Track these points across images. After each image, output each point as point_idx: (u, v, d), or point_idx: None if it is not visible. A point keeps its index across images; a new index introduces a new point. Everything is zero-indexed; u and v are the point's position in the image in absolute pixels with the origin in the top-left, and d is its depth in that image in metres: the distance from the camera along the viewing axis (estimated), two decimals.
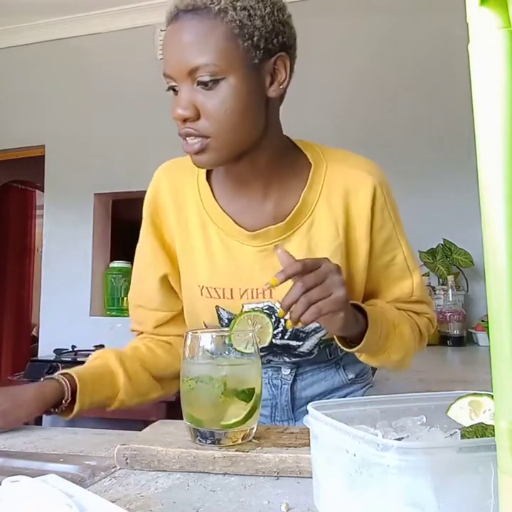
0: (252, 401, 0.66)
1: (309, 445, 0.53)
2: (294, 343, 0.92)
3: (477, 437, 0.46)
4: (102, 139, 3.11)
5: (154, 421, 0.78)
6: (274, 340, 0.91)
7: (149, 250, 0.97)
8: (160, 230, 0.96)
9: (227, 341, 0.68)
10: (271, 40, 0.79)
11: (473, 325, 2.34)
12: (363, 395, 1.02)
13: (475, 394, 0.54)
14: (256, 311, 0.82)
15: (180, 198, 0.93)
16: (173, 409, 2.01)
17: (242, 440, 0.66)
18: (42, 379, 0.87)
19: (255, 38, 0.78)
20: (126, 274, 3.01)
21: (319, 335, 0.91)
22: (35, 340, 3.45)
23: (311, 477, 0.53)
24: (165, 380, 0.98)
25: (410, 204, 2.63)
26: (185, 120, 0.78)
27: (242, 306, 0.89)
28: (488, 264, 0.33)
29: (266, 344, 0.73)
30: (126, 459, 0.65)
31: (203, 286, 0.91)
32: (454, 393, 0.55)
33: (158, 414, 1.99)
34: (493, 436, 0.34)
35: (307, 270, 0.73)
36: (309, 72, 2.71)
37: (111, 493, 0.57)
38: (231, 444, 0.65)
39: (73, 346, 2.66)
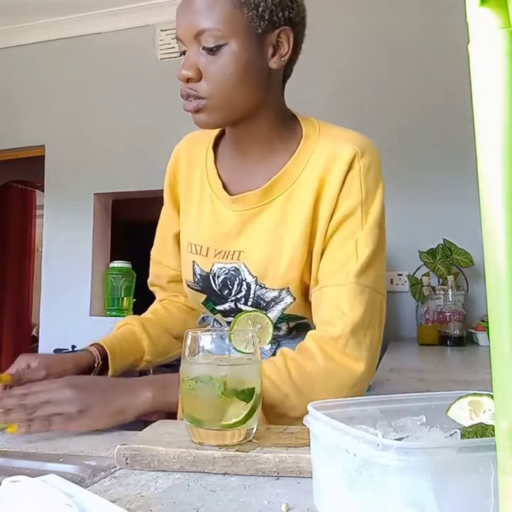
0: (252, 401, 0.66)
1: (309, 445, 0.53)
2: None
3: (477, 437, 0.46)
4: (102, 139, 3.11)
5: (154, 421, 0.78)
6: (239, 305, 0.94)
7: (165, 212, 1.08)
8: (175, 194, 1.04)
9: (227, 341, 0.68)
10: (276, 12, 0.83)
11: (473, 325, 2.34)
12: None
13: (475, 394, 0.54)
14: (256, 311, 0.82)
15: (192, 163, 1.00)
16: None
17: (243, 440, 0.66)
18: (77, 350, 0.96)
19: (260, 9, 0.82)
20: (126, 274, 3.01)
21: (280, 307, 0.91)
22: (35, 340, 3.45)
23: (311, 477, 0.53)
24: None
25: (410, 204, 2.64)
26: (187, 80, 0.83)
27: (212, 264, 0.94)
28: (488, 264, 0.33)
29: (266, 344, 0.74)
30: (126, 459, 0.65)
31: (189, 243, 0.98)
32: (454, 393, 0.55)
33: (158, 414, 1.99)
34: (493, 436, 0.34)
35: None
36: (309, 80, 2.71)
37: (111, 493, 0.57)
38: (231, 444, 0.65)
39: (73, 346, 2.66)
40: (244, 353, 0.68)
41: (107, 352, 0.94)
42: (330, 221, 0.86)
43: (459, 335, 2.26)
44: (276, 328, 0.93)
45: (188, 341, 0.69)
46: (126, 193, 3.14)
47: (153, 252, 1.12)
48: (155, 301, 1.14)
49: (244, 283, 0.92)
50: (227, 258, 0.93)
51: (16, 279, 4.42)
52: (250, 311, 0.79)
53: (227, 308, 0.96)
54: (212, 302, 0.98)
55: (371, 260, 0.85)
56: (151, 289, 1.15)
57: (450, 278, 2.40)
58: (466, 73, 0.36)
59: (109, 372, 0.95)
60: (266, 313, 0.74)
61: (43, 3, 3.01)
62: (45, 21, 3.19)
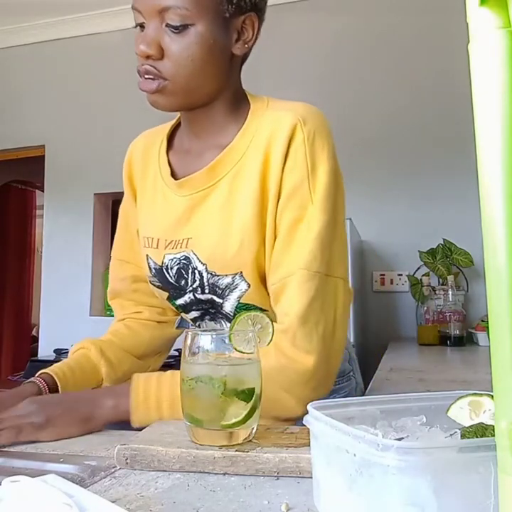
0: (252, 401, 0.66)
1: (309, 445, 0.53)
2: (216, 298, 0.88)
3: (477, 437, 0.46)
4: (102, 139, 3.11)
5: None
6: (197, 295, 0.89)
7: (126, 208, 1.03)
8: (133, 189, 1.01)
9: (227, 341, 0.68)
10: None
11: (473, 325, 2.34)
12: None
13: (475, 394, 0.54)
14: (256, 311, 0.82)
15: (147, 156, 0.97)
16: None
17: (243, 440, 0.66)
18: (23, 384, 0.85)
19: None
20: None
21: (235, 294, 0.85)
22: (35, 340, 3.45)
23: (311, 477, 0.53)
24: (149, 357, 1.01)
25: (410, 204, 2.64)
26: (147, 57, 0.79)
27: (164, 257, 0.90)
28: (488, 264, 0.33)
29: (266, 344, 0.73)
30: (126, 459, 0.65)
31: (143, 237, 0.94)
32: (454, 393, 0.55)
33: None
34: (493, 436, 0.34)
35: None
36: (308, 72, 2.71)
37: (111, 493, 0.57)
38: (231, 444, 0.65)
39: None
40: (244, 353, 0.67)
41: (57, 382, 0.85)
42: (278, 198, 0.80)
43: (459, 335, 2.26)
44: (225, 312, 0.89)
45: (188, 341, 0.69)
46: None
47: (115, 253, 1.04)
48: (114, 321, 1.04)
49: (196, 271, 0.87)
50: (176, 248, 0.88)
51: (16, 279, 4.42)
52: (250, 311, 0.78)
53: (188, 300, 0.91)
54: (173, 298, 0.93)
55: (323, 240, 0.78)
56: (111, 303, 1.05)
57: (450, 278, 2.40)
58: (466, 73, 0.37)
59: None
60: (266, 313, 0.74)
61: (43, 3, 3.01)
62: (45, 21, 3.19)
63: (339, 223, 0.81)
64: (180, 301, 0.93)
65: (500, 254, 0.32)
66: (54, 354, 2.63)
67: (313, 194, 0.78)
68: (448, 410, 0.54)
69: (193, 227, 0.87)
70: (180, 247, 0.88)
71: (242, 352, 0.67)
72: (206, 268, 0.86)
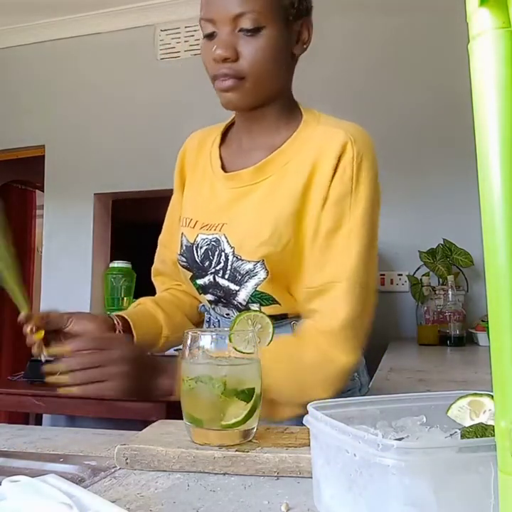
0: (252, 401, 0.66)
1: (309, 445, 0.53)
2: (232, 286, 0.93)
3: (477, 437, 0.46)
4: (102, 139, 3.11)
5: (154, 421, 0.78)
6: (217, 278, 0.94)
7: (174, 198, 1.11)
8: (182, 179, 1.08)
9: (227, 341, 0.68)
10: (302, 2, 0.90)
11: (473, 325, 2.34)
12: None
13: (475, 394, 0.54)
14: (256, 311, 0.82)
15: (201, 150, 1.05)
16: (173, 409, 2.02)
17: (243, 440, 0.66)
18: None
19: None
20: (126, 274, 3.00)
21: (253, 282, 0.90)
22: None
23: (311, 477, 0.53)
24: (194, 317, 1.10)
25: (410, 204, 2.64)
26: (224, 60, 0.85)
27: (197, 236, 0.97)
28: (488, 264, 0.33)
29: (266, 344, 0.73)
30: (126, 459, 0.65)
31: (182, 217, 1.02)
32: (454, 393, 0.55)
33: (158, 414, 1.99)
34: (493, 436, 0.34)
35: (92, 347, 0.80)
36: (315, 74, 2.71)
37: (111, 493, 0.57)
38: (231, 444, 0.65)
39: None
40: (244, 353, 0.67)
41: (130, 324, 0.96)
42: (323, 207, 0.87)
43: (459, 335, 2.26)
44: (248, 309, 0.92)
45: (188, 341, 0.69)
46: (126, 193, 3.14)
47: (160, 237, 1.14)
48: (158, 292, 1.14)
49: (223, 254, 0.93)
50: (210, 230, 0.95)
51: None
52: (250, 311, 0.78)
53: (207, 282, 0.97)
54: (195, 277, 0.99)
55: (364, 254, 0.86)
56: (153, 280, 1.16)
57: (450, 278, 2.40)
58: (466, 73, 0.36)
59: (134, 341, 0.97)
60: (266, 313, 0.74)
61: (43, 3, 3.01)
62: (45, 21, 3.19)
63: (375, 237, 0.90)
64: (200, 281, 0.98)
65: (500, 254, 0.32)
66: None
67: (353, 209, 0.86)
68: (448, 410, 0.54)
69: (231, 214, 0.94)
70: (214, 230, 0.95)
71: (242, 352, 0.67)
72: (233, 251, 0.92)
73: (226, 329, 0.74)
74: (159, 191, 2.63)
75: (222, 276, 0.94)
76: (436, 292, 2.41)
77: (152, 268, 1.15)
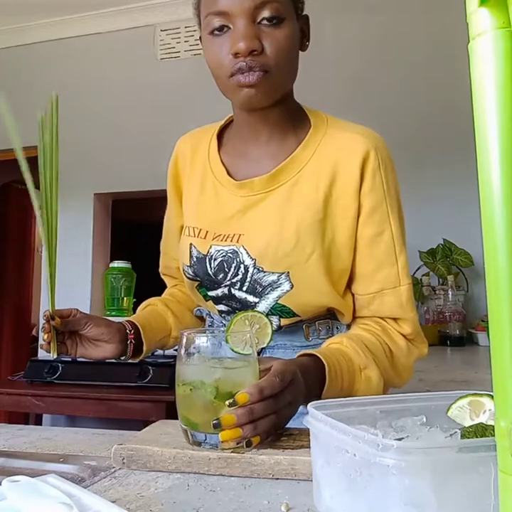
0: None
1: (307, 447, 0.53)
2: (251, 298, 0.91)
3: (477, 437, 0.46)
4: (102, 139, 3.11)
5: (154, 421, 0.78)
6: (233, 291, 0.92)
7: (169, 204, 1.08)
8: (178, 186, 1.05)
9: (224, 342, 0.66)
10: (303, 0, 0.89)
11: (473, 325, 2.34)
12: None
13: (475, 394, 0.54)
14: (254, 311, 0.79)
15: (195, 154, 1.01)
16: (173, 410, 2.01)
17: (237, 444, 0.64)
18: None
19: None
20: (126, 274, 3.00)
21: (275, 294, 0.89)
22: (35, 340, 3.45)
23: (307, 479, 0.53)
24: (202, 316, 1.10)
25: (410, 204, 2.63)
26: (250, 52, 0.80)
27: (210, 247, 0.93)
28: (488, 264, 0.33)
29: (265, 345, 0.72)
30: (123, 459, 0.65)
31: (187, 226, 0.98)
32: (454, 393, 0.55)
33: (158, 414, 1.99)
34: (493, 436, 0.34)
35: (266, 396, 0.64)
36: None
37: (111, 493, 0.57)
38: (226, 448, 0.64)
39: None
40: (242, 354, 0.65)
41: (139, 328, 0.96)
42: (359, 216, 0.88)
43: (459, 335, 2.26)
44: (246, 309, 0.91)
45: (184, 342, 0.67)
46: (126, 193, 3.14)
47: (161, 243, 1.14)
48: (168, 287, 1.16)
49: (242, 266, 0.90)
50: (226, 241, 0.92)
51: (16, 279, 4.42)
52: (247, 312, 0.76)
53: (220, 294, 0.94)
54: (205, 287, 0.96)
55: (406, 253, 0.91)
56: (162, 277, 1.18)
57: (450, 278, 2.40)
58: (466, 73, 0.36)
59: (144, 348, 0.97)
60: (264, 313, 0.72)
61: (43, 3, 3.01)
62: (45, 21, 3.19)
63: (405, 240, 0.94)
64: (212, 293, 0.96)
65: (500, 254, 0.32)
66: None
67: (391, 214, 0.89)
68: (448, 410, 0.54)
69: (246, 224, 0.91)
70: (231, 241, 0.92)
71: (239, 353, 0.65)
72: (255, 263, 0.90)
73: (223, 330, 0.72)
74: (159, 191, 2.62)
75: (240, 289, 0.92)
76: (436, 292, 2.41)
77: (159, 269, 1.16)
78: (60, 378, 2.31)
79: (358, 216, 0.88)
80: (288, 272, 0.87)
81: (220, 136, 1.00)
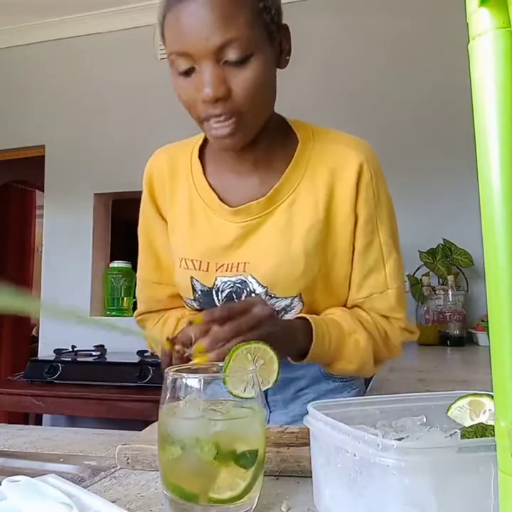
0: (254, 467, 0.50)
1: (309, 445, 0.53)
2: None
3: (477, 437, 0.46)
4: (102, 139, 3.11)
5: (155, 421, 0.78)
6: None
7: (146, 227, 0.99)
8: (156, 208, 0.97)
9: (221, 384, 0.52)
10: (279, 11, 0.80)
11: (473, 325, 2.34)
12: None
13: (475, 394, 0.54)
14: (256, 342, 0.62)
15: (175, 176, 0.94)
16: None
17: None
18: None
19: (273, 11, 0.77)
20: (126, 274, 3.01)
21: (288, 316, 0.88)
22: (35, 340, 3.45)
23: (312, 476, 0.53)
24: None
25: (410, 204, 2.64)
26: (216, 100, 0.74)
27: (215, 279, 0.89)
28: (488, 264, 0.33)
29: (270, 385, 0.59)
30: (128, 459, 0.65)
31: (182, 258, 0.92)
32: (454, 393, 0.55)
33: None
34: (493, 436, 0.34)
35: (233, 314, 0.70)
36: (299, 75, 2.71)
37: (111, 493, 0.57)
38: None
39: (73, 346, 2.66)
40: (243, 398, 0.52)
41: None
42: (355, 230, 0.88)
43: (459, 335, 2.26)
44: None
45: (168, 383, 0.52)
46: (126, 193, 3.14)
47: (143, 274, 1.01)
48: (152, 326, 1.01)
49: (253, 295, 0.88)
50: (231, 271, 0.88)
51: (16, 278, 4.42)
52: (250, 343, 0.60)
53: None
54: None
55: (396, 260, 0.91)
56: (137, 320, 1.03)
57: (450, 278, 2.40)
58: (466, 73, 0.37)
59: None
60: (269, 345, 0.60)
61: (43, 4, 3.01)
62: (44, 21, 3.19)
63: (399, 243, 0.94)
64: None
65: (500, 254, 0.32)
66: (54, 354, 2.62)
67: (380, 224, 0.89)
68: (448, 410, 0.54)
69: (249, 251, 0.88)
70: (237, 271, 0.88)
71: (240, 397, 0.52)
72: (267, 291, 0.88)
73: (220, 366, 0.58)
74: None
75: None
76: (436, 292, 2.41)
77: (137, 312, 1.03)
78: (60, 378, 2.31)
79: (354, 229, 0.88)
80: (300, 294, 0.88)
81: (200, 155, 0.94)
